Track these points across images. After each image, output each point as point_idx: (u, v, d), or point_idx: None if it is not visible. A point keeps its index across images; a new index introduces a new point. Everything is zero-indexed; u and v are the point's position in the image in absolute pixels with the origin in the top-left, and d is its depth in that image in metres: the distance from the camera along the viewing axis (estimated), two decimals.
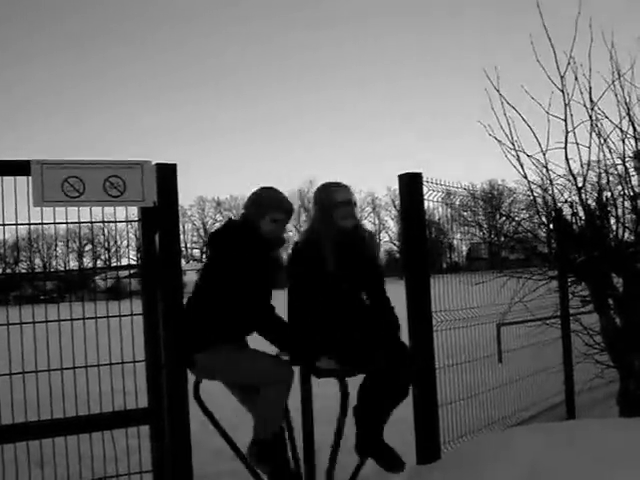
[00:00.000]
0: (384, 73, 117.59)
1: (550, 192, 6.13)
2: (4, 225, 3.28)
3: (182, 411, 3.47)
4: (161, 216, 3.45)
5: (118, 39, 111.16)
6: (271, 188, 4.14)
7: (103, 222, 3.51)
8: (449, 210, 5.64)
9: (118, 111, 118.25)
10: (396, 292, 4.91)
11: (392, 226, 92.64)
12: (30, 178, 3.26)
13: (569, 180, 5.97)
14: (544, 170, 5.97)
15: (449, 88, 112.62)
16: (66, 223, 3.41)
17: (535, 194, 6.22)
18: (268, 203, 4.03)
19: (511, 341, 7.60)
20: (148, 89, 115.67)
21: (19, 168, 3.25)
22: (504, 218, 7.21)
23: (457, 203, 5.75)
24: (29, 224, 3.37)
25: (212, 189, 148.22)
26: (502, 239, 7.64)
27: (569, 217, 6.18)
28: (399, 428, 4.38)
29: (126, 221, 3.69)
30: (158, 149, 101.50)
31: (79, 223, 3.47)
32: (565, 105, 5.74)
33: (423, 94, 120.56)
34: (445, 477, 4.13)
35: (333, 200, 4.15)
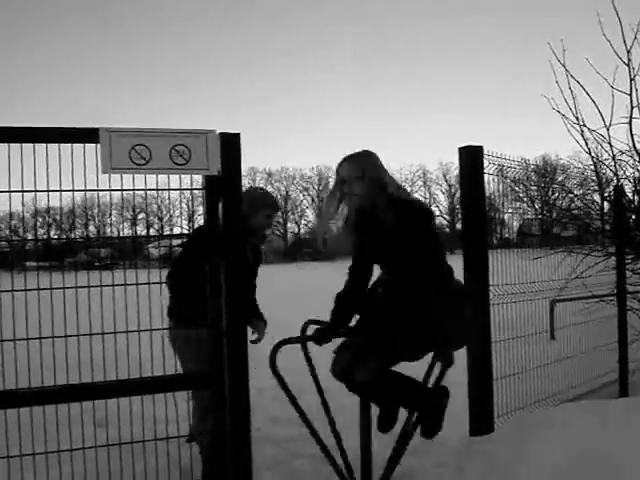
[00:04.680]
0: (436, 47, 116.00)
1: (613, 167, 6.04)
2: (73, 191, 3.34)
3: (242, 376, 3.53)
4: (225, 184, 3.48)
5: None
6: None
7: (169, 190, 3.55)
8: (502, 185, 5.58)
9: (175, 81, 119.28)
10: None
11: (442, 200, 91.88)
12: (99, 146, 3.32)
13: (631, 156, 5.87)
14: (607, 145, 5.87)
15: (504, 61, 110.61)
16: (133, 190, 3.46)
17: (597, 169, 6.13)
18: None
19: (566, 317, 7.53)
20: (206, 62, 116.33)
21: (88, 135, 3.31)
22: (557, 193, 7.11)
23: (514, 177, 5.69)
24: (97, 190, 3.41)
25: (263, 160, 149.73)
26: (555, 215, 7.55)
27: (631, 193, 6.09)
28: (453, 392, 4.32)
29: (190, 189, 3.73)
30: (212, 119, 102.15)
31: (145, 190, 3.51)
32: (630, 79, 5.63)
33: (476, 69, 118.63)
34: (498, 450, 4.14)
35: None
